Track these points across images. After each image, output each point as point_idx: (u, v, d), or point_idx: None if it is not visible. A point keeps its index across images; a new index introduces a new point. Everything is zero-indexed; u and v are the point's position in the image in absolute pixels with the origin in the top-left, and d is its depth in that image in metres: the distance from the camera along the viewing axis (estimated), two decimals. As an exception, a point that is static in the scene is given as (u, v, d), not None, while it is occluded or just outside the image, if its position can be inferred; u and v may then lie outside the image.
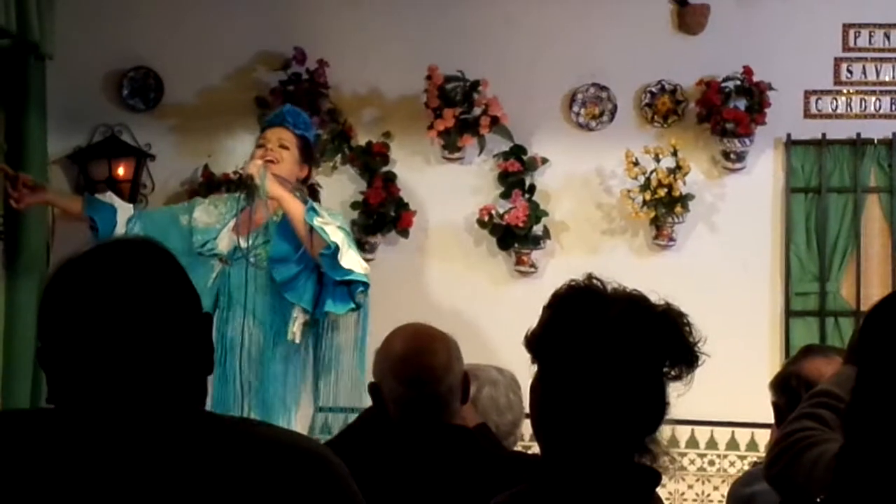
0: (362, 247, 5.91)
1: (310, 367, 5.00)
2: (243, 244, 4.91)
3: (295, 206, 4.84)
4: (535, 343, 2.08)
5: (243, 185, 4.95)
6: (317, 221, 4.79)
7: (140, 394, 1.68)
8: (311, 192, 5.19)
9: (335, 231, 4.81)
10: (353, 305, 4.89)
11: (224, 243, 4.98)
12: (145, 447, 1.68)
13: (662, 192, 5.75)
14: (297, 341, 4.91)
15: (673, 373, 2.04)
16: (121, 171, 5.85)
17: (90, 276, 1.70)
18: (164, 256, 1.76)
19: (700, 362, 2.04)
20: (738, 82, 5.86)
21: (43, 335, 1.72)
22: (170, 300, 1.72)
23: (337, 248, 4.76)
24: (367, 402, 3.13)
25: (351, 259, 4.80)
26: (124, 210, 5.14)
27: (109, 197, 5.25)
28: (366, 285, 4.88)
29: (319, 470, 1.74)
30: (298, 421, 4.91)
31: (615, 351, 2.01)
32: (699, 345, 2.04)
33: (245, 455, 1.70)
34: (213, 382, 4.74)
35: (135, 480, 1.67)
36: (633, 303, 2.04)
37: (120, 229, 5.01)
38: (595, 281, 2.06)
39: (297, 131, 5.01)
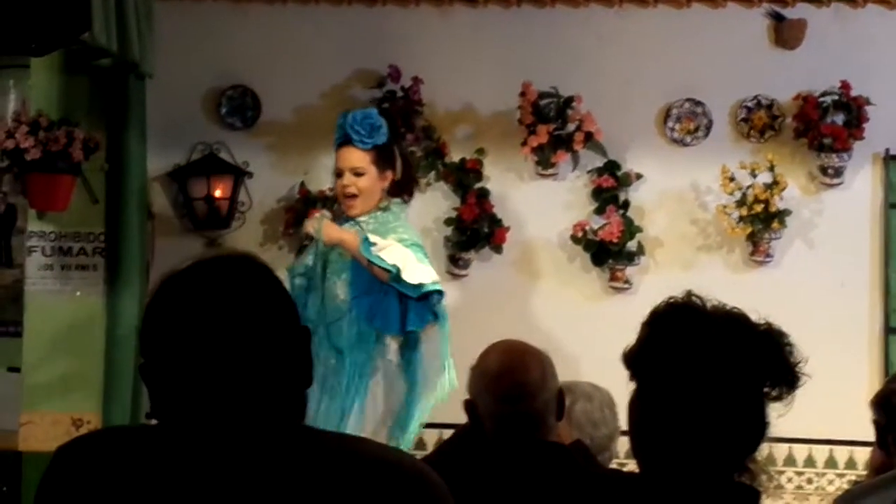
0: (456, 263, 5.93)
1: (395, 388, 4.94)
2: (313, 263, 4.93)
3: (353, 246, 4.81)
4: (634, 360, 2.07)
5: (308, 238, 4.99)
6: (373, 251, 4.75)
7: (243, 408, 1.69)
8: (400, 190, 5.06)
9: (393, 252, 4.75)
10: (431, 317, 4.86)
11: (306, 260, 4.99)
12: (248, 462, 1.70)
13: (759, 208, 5.70)
14: (398, 362, 4.89)
15: (773, 393, 2.02)
16: (218, 190, 5.93)
17: (192, 292, 1.72)
18: (263, 271, 1.77)
19: (801, 383, 2.01)
20: (836, 97, 5.80)
21: (146, 350, 1.74)
22: (270, 314, 1.73)
23: (398, 270, 4.72)
24: (457, 414, 3.14)
25: (415, 273, 4.74)
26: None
27: None
28: (440, 293, 4.83)
29: (420, 489, 1.74)
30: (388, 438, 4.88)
31: (715, 370, 1.99)
32: (800, 365, 2.02)
33: (346, 472, 1.71)
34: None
35: (238, 496, 1.69)
36: (734, 321, 2.02)
37: None
38: (694, 298, 2.04)
39: (367, 146, 4.92)
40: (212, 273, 1.75)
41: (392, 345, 4.86)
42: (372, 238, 4.80)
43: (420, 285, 4.74)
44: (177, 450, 1.71)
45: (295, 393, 1.75)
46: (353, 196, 4.92)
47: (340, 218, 5.01)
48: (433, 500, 1.75)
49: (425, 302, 4.80)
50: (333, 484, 1.70)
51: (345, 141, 4.94)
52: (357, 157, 4.92)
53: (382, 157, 4.96)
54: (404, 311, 4.81)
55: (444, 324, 4.90)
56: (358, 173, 4.92)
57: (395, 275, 4.72)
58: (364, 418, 4.85)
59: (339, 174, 4.96)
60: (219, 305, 1.70)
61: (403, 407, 4.92)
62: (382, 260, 4.73)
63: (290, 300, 1.77)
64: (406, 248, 4.81)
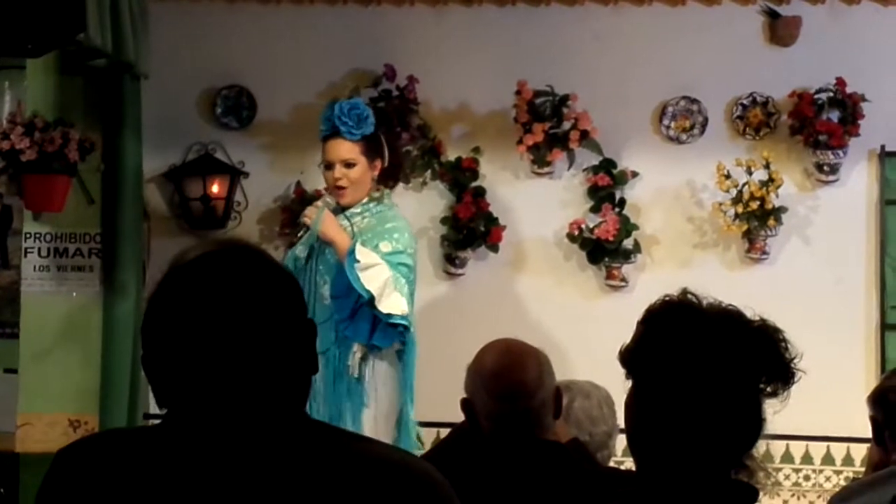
0: (452, 262, 5.93)
1: (374, 396, 4.93)
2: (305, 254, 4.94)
3: (341, 251, 4.80)
4: (630, 358, 2.07)
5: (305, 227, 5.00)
6: (356, 268, 4.73)
7: (247, 403, 1.69)
8: (388, 177, 5.08)
9: (375, 275, 4.74)
10: (398, 341, 4.87)
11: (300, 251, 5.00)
12: (253, 461, 1.69)
13: (755, 205, 5.71)
14: (356, 374, 4.86)
15: (769, 389, 2.02)
16: (215, 188, 5.93)
17: (197, 282, 1.71)
18: (269, 261, 1.76)
19: (796, 379, 2.02)
20: (831, 94, 5.80)
21: (149, 341, 1.72)
22: (276, 305, 1.72)
23: (372, 297, 4.71)
24: (454, 413, 3.14)
25: (387, 302, 4.74)
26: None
27: None
28: (406, 328, 4.84)
29: (425, 489, 1.73)
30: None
31: (711, 367, 2.00)
32: (795, 361, 2.02)
33: (351, 470, 1.71)
34: None
35: (242, 495, 1.68)
36: (730, 318, 2.02)
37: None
38: (690, 296, 2.05)
39: (355, 137, 4.92)
40: (217, 263, 1.73)
41: (357, 353, 4.85)
42: (359, 253, 4.77)
43: (389, 315, 4.76)
44: (178, 451, 1.71)
45: (299, 382, 1.75)
46: (344, 188, 4.93)
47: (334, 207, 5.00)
48: (438, 501, 1.75)
49: (394, 329, 4.80)
50: (338, 482, 1.69)
51: (332, 133, 4.94)
52: (347, 149, 4.92)
53: (371, 147, 4.96)
54: (374, 325, 4.81)
55: (409, 351, 4.91)
56: (349, 164, 4.93)
57: (369, 300, 4.73)
58: (358, 420, 4.85)
59: (328, 166, 4.96)
60: (224, 295, 1.69)
61: (401, 407, 4.93)
62: (360, 284, 4.73)
63: (298, 291, 1.76)
64: (392, 268, 4.79)
